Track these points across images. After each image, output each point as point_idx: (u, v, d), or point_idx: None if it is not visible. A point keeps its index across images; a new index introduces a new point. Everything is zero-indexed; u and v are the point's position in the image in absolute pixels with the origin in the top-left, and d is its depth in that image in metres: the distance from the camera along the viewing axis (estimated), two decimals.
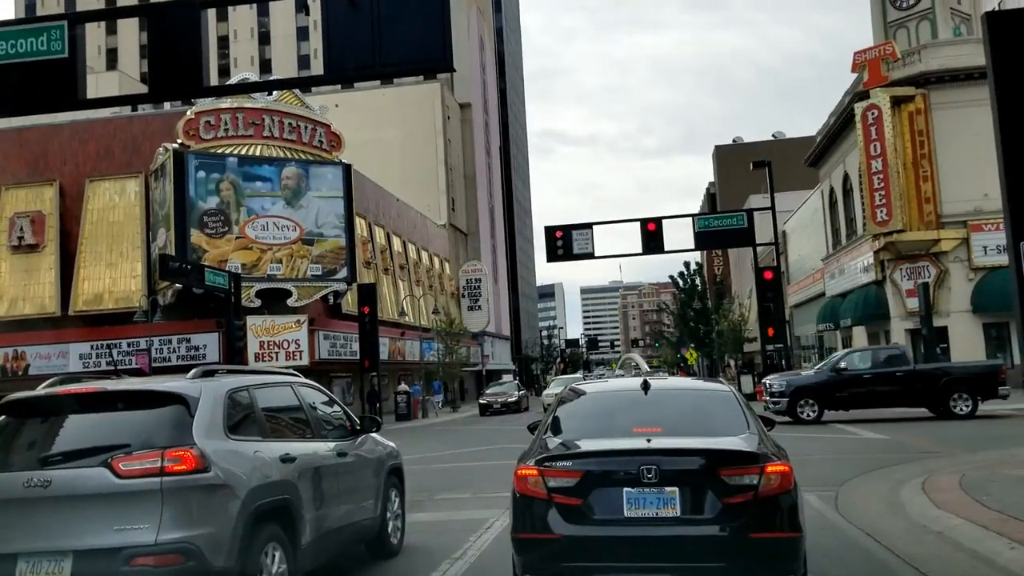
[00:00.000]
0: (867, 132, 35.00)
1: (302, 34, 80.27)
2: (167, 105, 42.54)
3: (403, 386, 42.47)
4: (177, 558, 5.08)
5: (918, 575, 6.86)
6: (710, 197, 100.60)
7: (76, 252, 37.34)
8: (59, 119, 38.04)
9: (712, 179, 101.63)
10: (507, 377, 65.16)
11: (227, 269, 32.67)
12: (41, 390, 6.03)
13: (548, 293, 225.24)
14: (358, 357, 37.91)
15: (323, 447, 7.03)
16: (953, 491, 9.62)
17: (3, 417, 5.84)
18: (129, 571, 5.02)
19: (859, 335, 41.26)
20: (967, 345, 33.67)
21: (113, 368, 32.51)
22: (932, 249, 34.41)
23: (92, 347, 35.97)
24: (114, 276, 37.13)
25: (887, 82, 34.83)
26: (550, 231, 33.66)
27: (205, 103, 36.44)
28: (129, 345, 35.32)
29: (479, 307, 67.29)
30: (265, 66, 79.99)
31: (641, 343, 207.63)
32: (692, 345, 79.25)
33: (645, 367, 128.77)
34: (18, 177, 38.85)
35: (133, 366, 33.38)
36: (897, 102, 34.56)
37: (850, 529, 8.61)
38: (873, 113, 34.84)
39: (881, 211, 34.52)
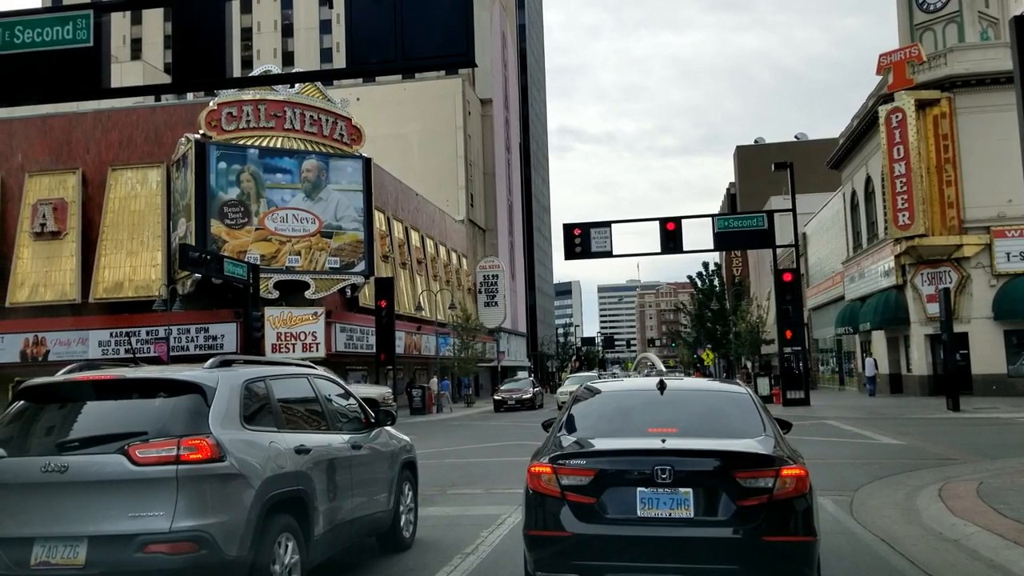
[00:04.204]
0: (891, 135, 34.71)
1: (325, 27, 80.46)
2: (189, 96, 42.77)
3: (434, 379, 42.76)
4: (191, 546, 5.11)
5: None
6: (730, 198, 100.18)
7: (97, 240, 37.63)
8: (83, 107, 38.39)
9: (733, 179, 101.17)
10: (522, 374, 65.20)
11: (246, 260, 32.83)
12: (60, 376, 6.07)
13: (565, 291, 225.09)
14: (374, 350, 38.02)
15: (338, 439, 7.05)
16: (970, 499, 9.53)
17: (22, 402, 5.89)
18: (143, 558, 5.05)
19: (878, 339, 40.97)
20: (987, 352, 33.37)
21: (132, 356, 32.75)
22: (954, 254, 34.09)
23: (111, 334, 36.25)
24: (134, 264, 37.40)
25: (912, 85, 34.49)
26: (569, 229, 33.57)
27: (227, 94, 36.59)
28: (148, 333, 35.58)
29: (495, 303, 67.31)
30: (287, 59, 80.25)
31: (657, 343, 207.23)
32: (709, 346, 78.97)
33: (661, 367, 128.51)
34: (41, 164, 39.19)
35: (151, 354, 33.62)
36: (922, 105, 34.24)
37: (865, 535, 8.54)
38: (897, 116, 34.54)
39: (903, 215, 34.23)
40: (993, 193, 33.08)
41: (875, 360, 40.00)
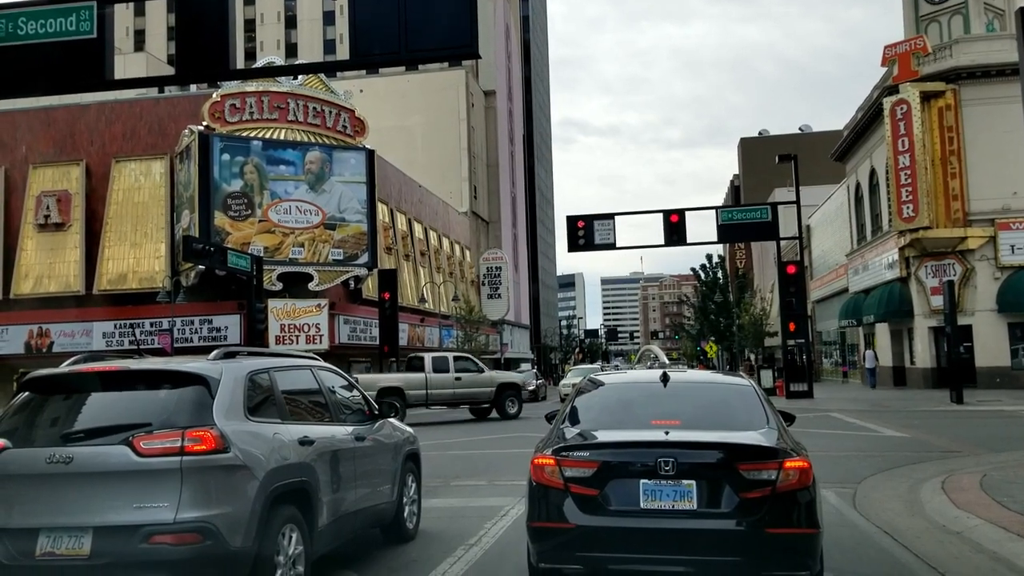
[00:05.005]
0: (895, 127, 34.59)
1: (328, 19, 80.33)
2: (193, 87, 42.80)
3: None
4: (195, 537, 5.12)
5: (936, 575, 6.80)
6: (734, 190, 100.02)
7: (101, 232, 37.65)
8: (86, 99, 38.33)
9: (737, 172, 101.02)
10: (525, 366, 65.25)
11: (249, 252, 32.83)
12: (64, 367, 6.08)
13: (568, 283, 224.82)
14: (378, 342, 38.06)
15: (341, 431, 7.06)
16: (973, 491, 9.53)
17: (27, 394, 5.90)
18: (148, 549, 5.07)
19: (882, 332, 40.93)
20: (991, 344, 33.32)
21: (136, 347, 32.85)
22: (958, 247, 34.01)
23: (115, 326, 36.30)
24: (138, 256, 37.43)
25: (917, 77, 34.36)
26: (572, 221, 33.54)
27: (231, 86, 36.55)
28: (152, 325, 35.61)
29: (499, 295, 67.31)
30: (291, 50, 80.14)
31: (661, 335, 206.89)
32: (712, 338, 78.85)
33: (664, 359, 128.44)
34: (45, 156, 39.19)
35: (155, 346, 33.66)
36: (927, 97, 34.11)
37: (868, 527, 8.55)
38: (902, 108, 34.41)
39: (907, 207, 34.14)
40: (998, 185, 32.99)
41: (875, 352, 40.14)
